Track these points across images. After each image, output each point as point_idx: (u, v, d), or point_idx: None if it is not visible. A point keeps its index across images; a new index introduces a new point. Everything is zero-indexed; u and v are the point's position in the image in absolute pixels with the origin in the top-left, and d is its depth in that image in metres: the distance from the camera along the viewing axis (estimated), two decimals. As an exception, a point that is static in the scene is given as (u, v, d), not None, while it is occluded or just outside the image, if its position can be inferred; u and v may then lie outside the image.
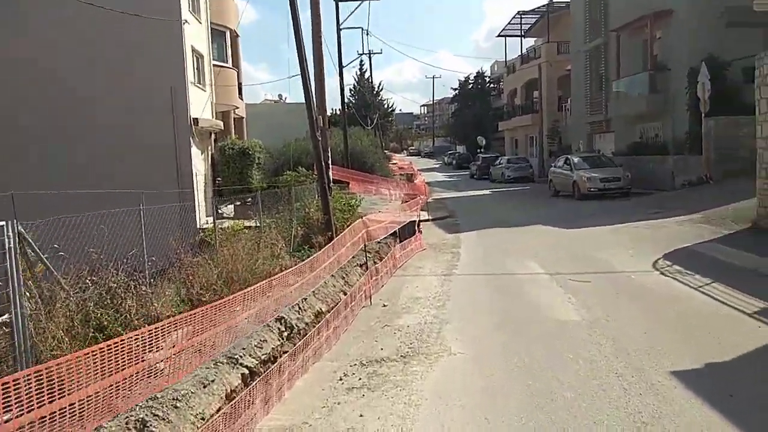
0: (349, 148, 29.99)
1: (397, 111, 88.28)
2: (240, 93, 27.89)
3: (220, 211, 20.56)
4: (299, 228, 14.16)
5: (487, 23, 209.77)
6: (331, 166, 17.65)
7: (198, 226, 16.98)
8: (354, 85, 67.77)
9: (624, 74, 26.04)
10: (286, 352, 6.47)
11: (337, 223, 15.09)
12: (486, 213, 20.59)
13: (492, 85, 66.57)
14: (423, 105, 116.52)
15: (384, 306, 8.30)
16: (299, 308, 7.63)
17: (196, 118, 17.76)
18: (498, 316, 7.46)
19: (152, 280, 9.18)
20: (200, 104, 18.88)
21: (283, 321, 7.23)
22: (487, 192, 30.59)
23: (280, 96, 59.33)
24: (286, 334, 7.06)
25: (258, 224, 14.37)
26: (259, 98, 64.59)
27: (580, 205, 20.65)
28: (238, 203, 19.48)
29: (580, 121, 31.85)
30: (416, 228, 13.76)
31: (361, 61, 66.36)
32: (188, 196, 17.35)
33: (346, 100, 46.94)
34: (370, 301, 8.49)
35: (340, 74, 31.02)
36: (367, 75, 64.87)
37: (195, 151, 18.29)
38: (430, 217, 19.26)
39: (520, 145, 44.75)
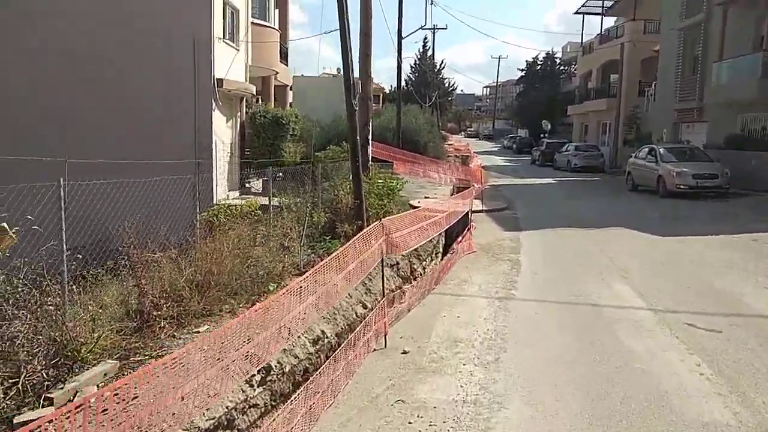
0: (402, 125, 27.32)
1: (458, 91, 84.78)
2: (284, 58, 25.42)
3: (248, 186, 18.30)
4: (324, 213, 11.60)
5: (560, 6, 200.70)
6: (371, 141, 14.98)
7: (215, 203, 14.65)
8: (415, 61, 64.93)
9: (728, 56, 22.08)
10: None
11: (371, 210, 12.51)
12: (551, 206, 17.45)
13: (562, 68, 62.14)
14: (486, 86, 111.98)
15: (404, 353, 5.56)
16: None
17: (221, 79, 15.32)
18: (589, 398, 4.61)
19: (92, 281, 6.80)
20: (230, 64, 16.47)
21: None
22: (551, 181, 27.22)
23: (338, 70, 56.97)
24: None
25: (280, 203, 11.94)
26: (318, 72, 62.53)
27: (668, 204, 17.23)
28: (267, 179, 17.11)
29: (666, 107, 27.90)
30: (468, 223, 10.93)
31: (425, 38, 63.30)
32: (206, 167, 15.00)
33: (405, 78, 44.55)
34: (384, 341, 5.78)
35: (399, 47, 28.18)
36: (429, 53, 61.86)
37: (218, 117, 15.91)
38: (484, 208, 16.32)
39: (590, 132, 40.72)
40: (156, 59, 14.83)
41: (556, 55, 61.23)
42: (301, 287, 4.61)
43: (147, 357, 5.63)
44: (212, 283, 7.12)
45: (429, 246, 12.14)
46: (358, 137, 11.95)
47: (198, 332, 6.27)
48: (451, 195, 19.25)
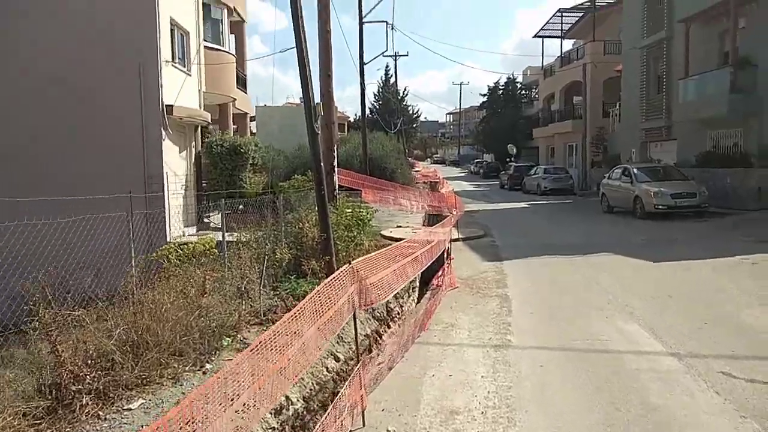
0: (369, 152, 26.44)
1: (422, 119, 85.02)
2: (243, 85, 24.33)
3: (206, 220, 16.95)
4: (288, 248, 10.44)
5: (516, 34, 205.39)
6: (336, 168, 13.90)
7: (168, 240, 13.29)
8: (378, 89, 64.82)
9: (693, 72, 21.85)
10: None
11: (340, 243, 11.36)
12: (529, 232, 16.57)
13: (524, 92, 62.55)
14: (449, 113, 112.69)
15: None
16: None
17: (170, 105, 14.09)
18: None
19: None
20: (181, 90, 15.29)
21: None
22: (523, 205, 26.51)
23: (301, 99, 56.15)
24: None
25: (239, 238, 10.73)
26: (282, 101, 61.61)
27: (648, 226, 16.52)
28: (228, 211, 15.84)
29: (632, 127, 27.66)
30: (446, 255, 9.87)
31: (387, 65, 63.25)
32: (157, 201, 13.68)
33: (369, 106, 43.97)
34: (362, 419, 4.57)
35: (361, 71, 27.40)
36: (392, 80, 61.73)
37: (169, 147, 14.63)
38: (461, 236, 15.33)
39: (557, 154, 40.49)
40: (98, 83, 13.56)
41: (517, 80, 61.67)
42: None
43: (58, 452, 4.36)
44: (150, 343, 5.86)
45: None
46: (322, 163, 10.88)
47: (129, 409, 5.00)
48: (424, 223, 18.25)
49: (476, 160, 65.11)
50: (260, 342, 3.25)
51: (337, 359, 7.25)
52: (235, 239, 10.81)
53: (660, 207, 17.84)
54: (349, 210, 13.10)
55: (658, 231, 15.31)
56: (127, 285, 6.58)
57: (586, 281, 9.52)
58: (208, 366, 5.92)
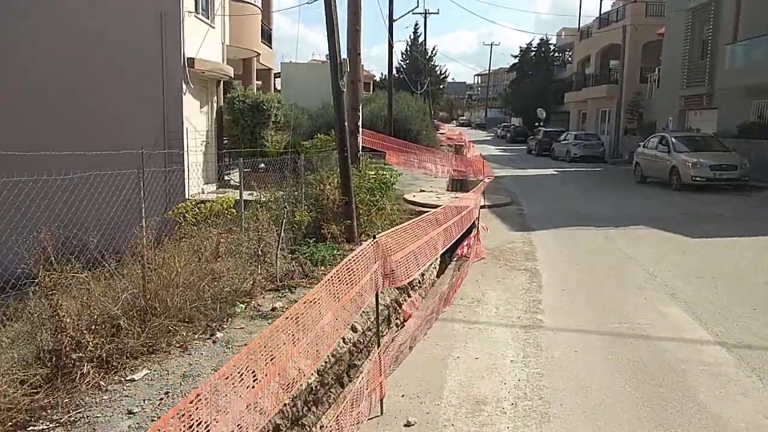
0: (394, 113, 25.79)
1: (449, 80, 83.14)
2: (268, 40, 23.65)
3: (227, 178, 16.62)
4: (308, 211, 10.06)
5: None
6: (361, 129, 13.37)
7: (187, 197, 13.01)
8: (406, 48, 63.27)
9: (742, 37, 20.58)
10: None
11: (362, 208, 10.94)
12: (559, 201, 15.91)
13: (557, 54, 60.53)
14: (477, 74, 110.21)
15: (408, 425, 3.95)
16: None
17: (192, 59, 13.59)
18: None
19: None
20: (204, 42, 14.75)
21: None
22: (552, 172, 25.70)
23: (327, 57, 55.10)
24: None
25: (259, 197, 10.37)
26: (307, 59, 60.62)
27: (686, 198, 15.75)
28: (248, 169, 15.48)
29: (671, 94, 26.42)
30: (474, 225, 9.36)
31: (416, 24, 61.60)
32: (176, 158, 13.33)
33: (396, 65, 42.90)
34: (380, 406, 4.17)
35: (390, 28, 26.54)
36: (420, 39, 60.16)
37: (190, 102, 14.20)
38: (487, 203, 14.75)
39: (588, 120, 39.20)
40: (118, 35, 13.10)
41: (550, 42, 59.61)
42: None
43: (53, 425, 4.07)
44: (158, 308, 5.54)
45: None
46: (346, 123, 10.40)
47: (132, 380, 4.70)
48: (448, 188, 17.70)
49: (503, 124, 63.72)
50: (270, 331, 2.82)
51: (354, 329, 6.90)
52: (254, 199, 10.46)
53: (698, 179, 16.99)
54: (373, 173, 12.63)
55: (697, 204, 14.55)
56: (137, 246, 6.22)
57: (621, 256, 8.96)
58: (218, 334, 5.59)
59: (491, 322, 5.77)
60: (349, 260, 3.69)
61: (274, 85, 31.44)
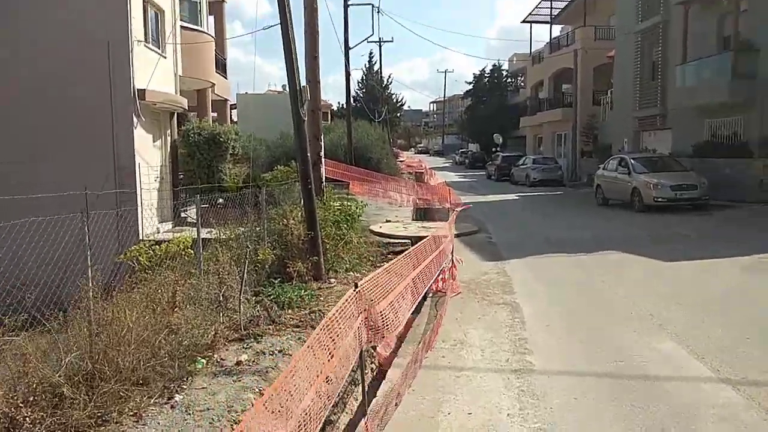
0: (354, 141, 25.49)
1: (405, 108, 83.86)
2: (222, 70, 23.12)
3: (183, 215, 15.86)
4: (272, 248, 9.51)
5: (500, 20, 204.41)
6: (323, 159, 12.93)
7: (141, 238, 12.26)
8: (362, 77, 63.60)
9: (691, 57, 21.12)
10: None
11: (329, 242, 10.43)
12: (526, 227, 15.73)
13: (510, 80, 61.70)
14: (433, 102, 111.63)
15: None
16: None
17: (143, 90, 12.96)
18: None
19: None
20: (155, 73, 14.13)
21: None
22: (513, 197, 25.71)
23: (284, 87, 54.76)
24: None
25: (218, 234, 9.76)
26: (264, 89, 60.16)
27: (649, 220, 15.78)
28: (206, 205, 14.80)
29: (625, 115, 26.94)
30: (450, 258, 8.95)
31: (371, 53, 62.06)
32: (129, 197, 12.59)
33: (353, 94, 42.70)
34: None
35: (346, 54, 26.33)
36: (376, 67, 60.64)
37: (142, 136, 13.51)
38: (455, 231, 14.40)
39: (545, 144, 39.76)
40: (63, 65, 12.38)
41: (502, 67, 60.77)
42: None
43: None
44: (108, 371, 4.89)
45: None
46: (308, 153, 9.92)
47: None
48: (413, 217, 17.36)
49: (461, 150, 64.32)
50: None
51: (327, 380, 6.36)
52: (213, 237, 9.86)
53: (660, 200, 17.12)
54: (338, 204, 12.16)
55: (662, 226, 14.56)
56: (83, 299, 5.56)
57: (599, 285, 8.68)
58: (177, 397, 4.96)
59: (479, 367, 5.31)
60: (330, 319, 3.18)
61: (231, 117, 30.83)
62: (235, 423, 4.50)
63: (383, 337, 3.97)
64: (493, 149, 47.70)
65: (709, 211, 16.59)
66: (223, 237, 9.62)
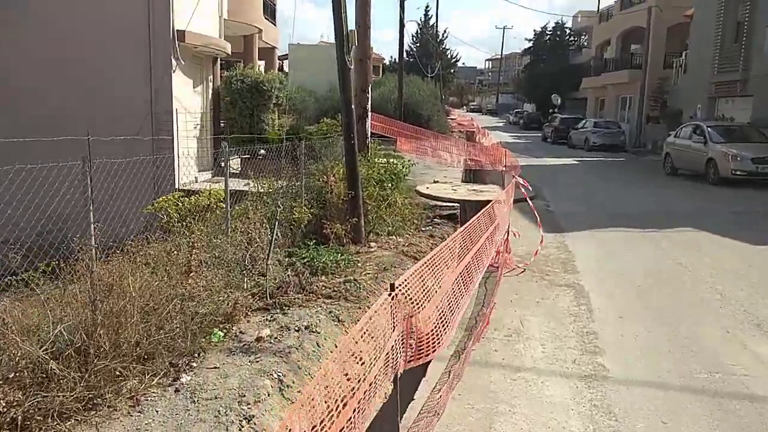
0: (405, 97, 24.39)
1: (460, 64, 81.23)
2: (272, 16, 22.15)
3: (224, 165, 15.24)
4: (309, 206, 8.72)
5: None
6: (370, 113, 11.95)
7: (177, 187, 11.69)
8: (417, 31, 61.51)
9: (786, 17, 18.92)
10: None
11: (370, 203, 9.57)
12: (587, 195, 14.45)
13: (573, 39, 58.53)
14: (488, 59, 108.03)
15: None
16: None
17: (183, 31, 12.16)
18: None
19: None
20: (196, 13, 13.31)
21: None
22: (571, 161, 24.19)
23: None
24: None
25: (255, 188, 9.04)
26: (316, 40, 59.03)
27: (726, 194, 14.26)
28: (247, 156, 14.14)
29: (700, 80, 24.75)
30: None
31: (427, 6, 59.79)
32: (165, 144, 11.97)
33: (406, 48, 41.17)
34: None
35: (401, 2, 24.96)
36: (432, 22, 58.39)
37: (181, 80, 12.78)
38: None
39: (607, 107, 37.47)
40: (99, 4, 11.69)
41: (566, 25, 57.60)
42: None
43: None
44: (106, 345, 4.20)
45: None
46: (353, 106, 8.98)
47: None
48: (464, 179, 16.31)
49: (516, 110, 61.96)
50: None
51: (360, 361, 5.59)
52: (250, 190, 9.13)
53: (738, 173, 15.48)
54: (383, 162, 11.24)
55: (741, 202, 13.08)
56: (86, 258, 4.86)
57: (676, 269, 7.55)
58: (184, 378, 4.26)
59: (540, 368, 4.39)
60: (347, 343, 2.28)
61: (281, 67, 29.98)
62: (245, 419, 3.78)
63: (428, 356, 3.02)
64: (551, 110, 45.60)
65: (793, 189, 14.93)
66: (258, 191, 8.90)
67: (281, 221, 8.18)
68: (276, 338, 5.19)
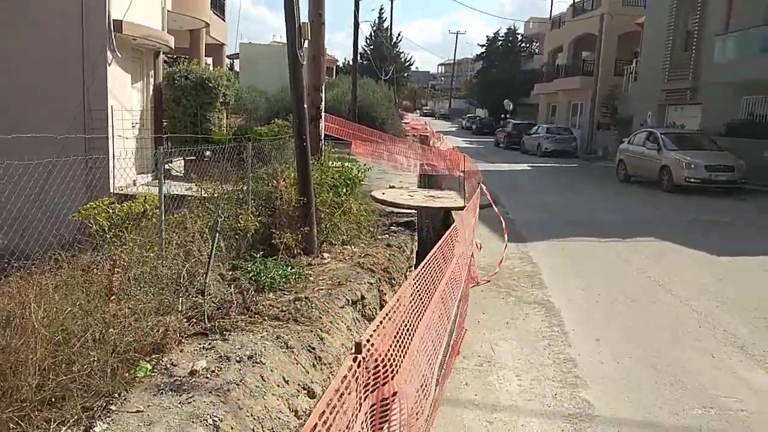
0: (359, 99, 23.86)
1: (413, 68, 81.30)
2: (220, 11, 21.18)
3: (167, 167, 14.24)
4: (256, 214, 8.01)
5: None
6: (323, 114, 11.29)
7: (112, 191, 10.69)
8: (371, 33, 61.20)
9: (734, 28, 19.22)
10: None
11: (324, 209, 8.92)
12: (545, 203, 14.16)
13: (524, 45, 59.23)
14: (441, 64, 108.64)
15: None
16: None
17: (119, 21, 11.20)
18: None
19: None
20: (136, 4, 12.33)
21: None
22: (525, 167, 24.09)
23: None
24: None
25: (198, 192, 8.25)
26: (268, 40, 57.74)
27: (680, 202, 14.21)
28: (192, 157, 13.22)
29: (651, 88, 25.07)
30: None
31: (381, 8, 59.50)
32: (100, 144, 10.98)
33: (360, 50, 40.58)
34: None
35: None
36: (386, 24, 58.21)
37: (118, 75, 11.78)
38: (463, 204, 12.84)
39: (559, 113, 37.82)
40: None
41: (518, 32, 58.23)
42: None
43: None
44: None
45: (401, 263, 8.68)
46: (305, 105, 8.32)
47: None
48: (420, 184, 15.81)
49: (468, 115, 62.19)
50: None
51: (311, 394, 4.94)
52: (192, 195, 8.32)
53: (692, 180, 15.51)
54: (337, 166, 10.59)
55: (696, 210, 13.00)
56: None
57: (645, 283, 7.18)
58: (98, 427, 3.53)
59: (518, 406, 3.84)
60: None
61: (231, 66, 28.88)
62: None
63: None
64: (503, 116, 45.83)
65: (743, 196, 15.04)
66: (200, 197, 8.12)
67: (225, 231, 7.43)
68: (213, 371, 4.48)
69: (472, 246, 6.52)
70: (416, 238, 10.44)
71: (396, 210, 11.72)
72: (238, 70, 30.38)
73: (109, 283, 4.59)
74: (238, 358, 4.67)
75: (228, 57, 28.85)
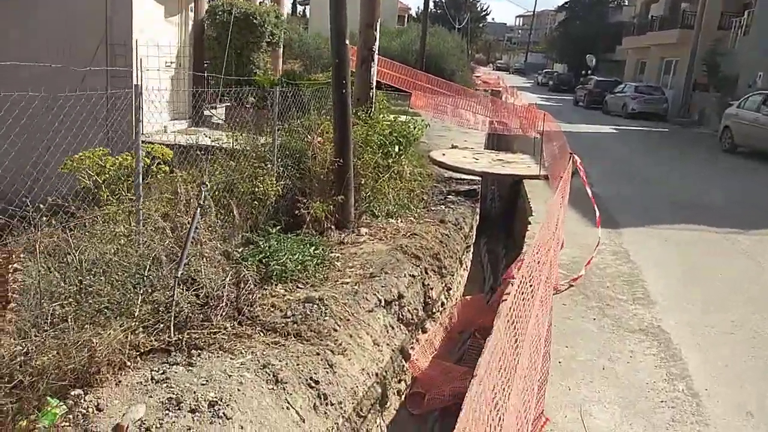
0: (428, 48, 21.98)
1: (489, 19, 76.96)
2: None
3: (208, 113, 12.86)
4: (282, 176, 6.46)
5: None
6: (376, 56, 9.45)
7: (137, 138, 9.30)
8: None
9: None
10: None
11: (367, 174, 7.35)
12: (638, 176, 11.85)
13: (613, -5, 54.42)
14: (519, 16, 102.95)
15: None
16: None
17: (147, -60, 9.67)
18: None
19: None
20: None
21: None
22: (609, 129, 21.46)
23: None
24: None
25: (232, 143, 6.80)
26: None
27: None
28: (228, 103, 11.77)
29: (765, 45, 21.62)
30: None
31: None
32: (124, 83, 9.60)
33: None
34: None
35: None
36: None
37: (147, 6, 10.32)
38: (543, 172, 10.79)
39: (649, 71, 34.09)
40: None
41: (607, -20, 53.35)
42: None
43: None
44: None
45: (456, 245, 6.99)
46: (347, 41, 6.59)
47: None
48: (487, 145, 13.85)
49: (545, 70, 58.21)
50: None
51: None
52: (216, 145, 6.86)
53: (821, 155, 12.84)
54: (389, 120, 8.83)
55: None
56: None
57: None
58: None
59: None
60: None
61: (301, 11, 27.16)
62: None
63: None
64: (584, 72, 42.26)
65: None
66: (219, 147, 6.69)
67: (240, 196, 5.91)
68: (153, 426, 2.97)
69: (558, 247, 4.70)
70: (477, 210, 8.66)
71: (456, 175, 9.93)
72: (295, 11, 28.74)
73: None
74: (193, 404, 3.13)
75: (299, 3, 27.12)
